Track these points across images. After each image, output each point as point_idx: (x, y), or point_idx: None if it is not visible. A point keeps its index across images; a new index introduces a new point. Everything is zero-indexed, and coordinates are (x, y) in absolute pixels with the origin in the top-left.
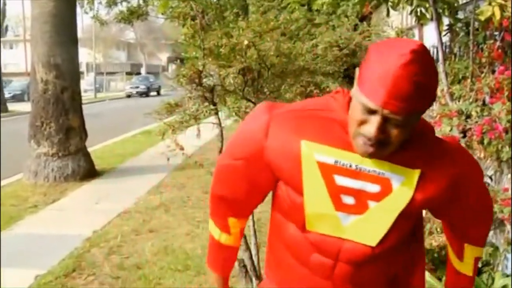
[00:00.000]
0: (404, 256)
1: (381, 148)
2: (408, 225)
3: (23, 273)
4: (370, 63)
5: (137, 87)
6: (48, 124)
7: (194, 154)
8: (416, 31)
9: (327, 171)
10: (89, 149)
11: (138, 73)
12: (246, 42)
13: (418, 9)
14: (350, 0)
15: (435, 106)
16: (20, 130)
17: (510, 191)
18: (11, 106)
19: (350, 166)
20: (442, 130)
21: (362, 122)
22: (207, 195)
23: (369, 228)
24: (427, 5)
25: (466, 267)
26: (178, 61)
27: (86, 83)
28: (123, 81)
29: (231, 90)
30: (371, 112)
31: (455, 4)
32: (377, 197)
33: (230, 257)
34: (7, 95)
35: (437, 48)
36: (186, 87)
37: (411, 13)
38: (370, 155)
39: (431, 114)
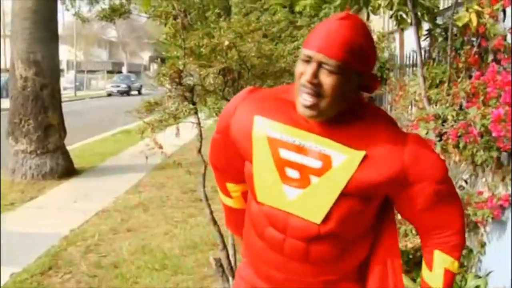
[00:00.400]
0: (362, 243)
1: (317, 99)
2: (355, 206)
3: None
4: (313, 29)
5: (118, 86)
6: (27, 121)
7: (173, 154)
8: (397, 36)
9: (274, 144)
10: (68, 148)
11: (120, 72)
12: (227, 43)
13: (398, 14)
14: (332, 3)
15: (414, 110)
16: None
17: (484, 194)
18: None
19: (294, 141)
20: (419, 133)
21: (302, 74)
22: (186, 195)
23: (312, 204)
24: (407, 10)
25: (434, 279)
26: (159, 60)
27: (66, 80)
28: (104, 80)
29: (211, 90)
30: (309, 61)
31: (434, 10)
32: (319, 172)
33: (240, 218)
34: None
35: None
36: (166, 86)
37: (391, 17)
38: (309, 109)
39: (409, 117)
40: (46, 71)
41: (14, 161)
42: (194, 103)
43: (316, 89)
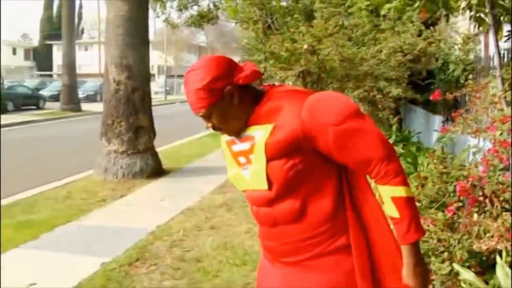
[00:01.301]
0: (321, 196)
1: (222, 131)
2: (283, 166)
3: (90, 260)
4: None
5: None
6: (119, 123)
7: None
8: (482, 37)
9: (228, 144)
10: (157, 149)
11: None
12: (305, 46)
13: (477, 15)
14: (416, 5)
15: (492, 112)
16: (92, 129)
17: None
18: (84, 106)
19: (234, 137)
20: (496, 135)
21: None
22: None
23: (257, 176)
24: (486, 11)
25: (389, 209)
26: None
27: (157, 85)
28: None
29: None
30: None
31: None
32: (251, 150)
33: None
34: (80, 95)
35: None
36: None
37: (470, 18)
38: (224, 134)
39: (489, 120)
40: (137, 75)
41: (106, 161)
42: None
43: (216, 127)
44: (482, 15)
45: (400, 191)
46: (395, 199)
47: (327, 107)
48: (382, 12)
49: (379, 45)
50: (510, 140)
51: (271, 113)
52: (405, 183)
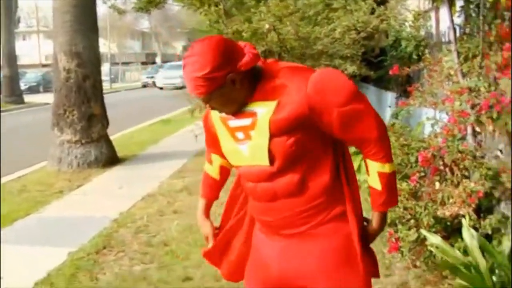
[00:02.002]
0: (320, 169)
1: (221, 112)
2: (286, 142)
3: (55, 251)
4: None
5: (153, 77)
6: (71, 112)
7: None
8: (433, 14)
9: (224, 120)
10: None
11: (154, 63)
12: (267, 26)
13: None
14: None
15: (450, 84)
16: (38, 120)
17: None
18: (27, 98)
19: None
20: (455, 106)
21: None
22: (229, 178)
23: (258, 152)
24: None
25: (372, 181)
26: None
27: (102, 73)
28: (138, 71)
29: None
30: None
31: None
32: (252, 126)
33: (212, 186)
34: (22, 87)
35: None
36: None
37: None
38: (225, 114)
39: (446, 92)
40: (88, 63)
41: (59, 151)
42: None
43: (216, 109)
44: None
45: (386, 168)
46: (381, 174)
47: (333, 87)
48: None
49: (332, 24)
50: (468, 110)
51: (274, 90)
52: (391, 160)
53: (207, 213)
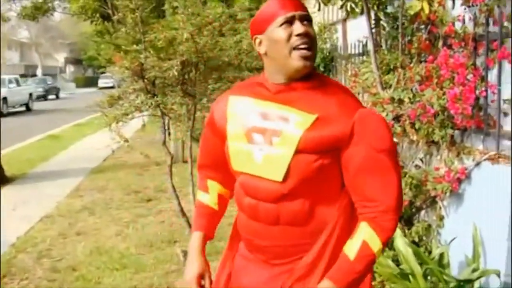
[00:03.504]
0: (330, 205)
1: (311, 51)
2: (312, 163)
3: None
4: (263, 9)
5: None
6: None
7: (109, 157)
8: (338, 27)
9: (242, 115)
10: None
11: (34, 75)
12: (185, 35)
13: (349, 4)
14: None
15: (365, 97)
16: None
17: (440, 171)
18: None
19: (258, 110)
20: None
21: (289, 37)
22: (130, 197)
23: (274, 163)
24: (357, 0)
25: (350, 246)
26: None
27: None
28: None
29: (169, 83)
30: (290, 23)
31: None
32: (278, 133)
33: (211, 216)
34: None
35: (366, 40)
36: (126, 80)
37: (341, 7)
38: (308, 60)
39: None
40: None
41: None
42: (154, 96)
43: (309, 40)
44: (352, 4)
45: (376, 243)
46: (364, 244)
47: (380, 128)
48: (236, 2)
49: (238, 35)
50: (391, 121)
51: (315, 102)
52: (385, 244)
53: (203, 248)
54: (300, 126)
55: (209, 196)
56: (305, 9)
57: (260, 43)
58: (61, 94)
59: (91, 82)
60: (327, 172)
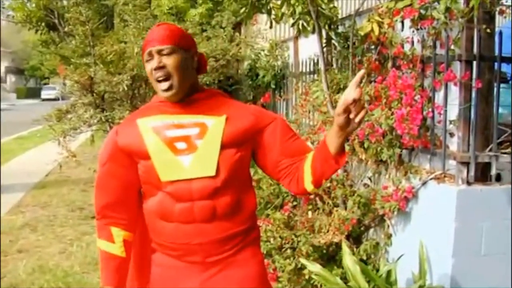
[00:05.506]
0: (250, 192)
1: (170, 81)
2: (235, 155)
3: None
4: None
5: None
6: None
7: (51, 172)
8: (290, 44)
9: (158, 130)
10: None
11: None
12: (136, 50)
13: (300, 22)
14: (225, 11)
15: (316, 115)
16: None
17: (388, 189)
18: None
19: (173, 122)
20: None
21: (151, 69)
22: (74, 213)
23: (204, 161)
24: (309, 19)
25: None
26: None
27: None
28: None
29: (118, 98)
30: (150, 58)
31: (335, 19)
32: (200, 136)
33: (120, 267)
34: None
35: (317, 59)
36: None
37: (293, 25)
38: (167, 91)
39: (311, 123)
40: None
41: None
42: (103, 110)
43: (165, 71)
44: (304, 23)
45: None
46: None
47: (269, 111)
48: (187, 18)
49: None
50: None
51: (219, 107)
52: None
53: None
54: (217, 126)
55: (115, 245)
56: (166, 40)
57: None
58: (1, 105)
59: (33, 93)
60: (245, 162)
